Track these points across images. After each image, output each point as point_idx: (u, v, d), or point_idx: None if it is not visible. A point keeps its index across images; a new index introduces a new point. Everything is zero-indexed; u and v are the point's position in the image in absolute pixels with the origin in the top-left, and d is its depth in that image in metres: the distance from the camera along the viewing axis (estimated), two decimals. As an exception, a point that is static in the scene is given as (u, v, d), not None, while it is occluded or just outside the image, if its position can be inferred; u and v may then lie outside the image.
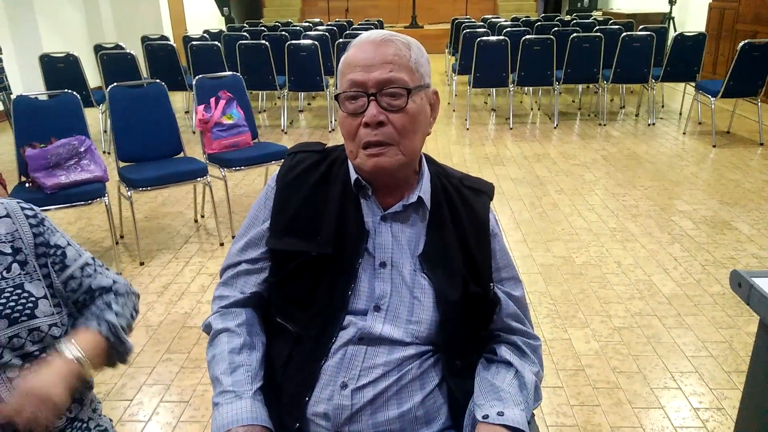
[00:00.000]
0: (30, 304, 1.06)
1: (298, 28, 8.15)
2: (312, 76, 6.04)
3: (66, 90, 3.25)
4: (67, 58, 5.35)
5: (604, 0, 12.72)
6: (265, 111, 7.09)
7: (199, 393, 2.12)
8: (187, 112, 6.87)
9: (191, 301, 2.77)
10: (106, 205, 3.02)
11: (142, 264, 3.16)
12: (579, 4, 12.33)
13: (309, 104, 7.57)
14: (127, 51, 5.81)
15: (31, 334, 1.05)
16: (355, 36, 6.89)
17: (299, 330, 1.08)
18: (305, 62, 5.96)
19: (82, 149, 2.94)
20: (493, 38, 6.17)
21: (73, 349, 1.04)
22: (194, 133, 5.86)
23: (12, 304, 1.04)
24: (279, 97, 6.85)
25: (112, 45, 6.28)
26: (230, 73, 3.89)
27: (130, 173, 3.14)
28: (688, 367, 2.25)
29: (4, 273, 1.06)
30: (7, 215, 1.11)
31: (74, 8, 8.43)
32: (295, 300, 1.10)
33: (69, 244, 1.17)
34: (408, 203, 1.10)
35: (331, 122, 6.32)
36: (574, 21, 8.18)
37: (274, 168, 3.80)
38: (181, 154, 3.49)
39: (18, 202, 1.14)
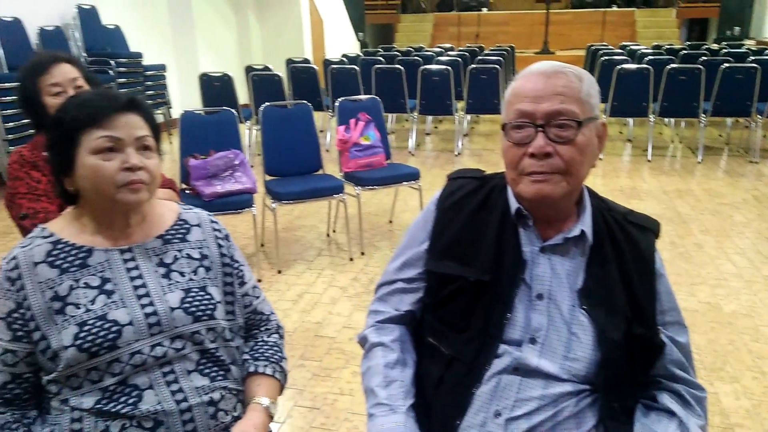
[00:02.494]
0: (211, 306, 1.17)
1: (429, 53, 8.32)
2: (442, 100, 6.13)
3: (223, 107, 3.56)
4: (222, 77, 5.86)
5: (757, 29, 11.72)
6: (393, 132, 7.27)
7: (329, 401, 2.20)
8: (321, 131, 7.22)
9: (323, 311, 2.90)
10: (253, 215, 3.25)
11: (279, 272, 3.35)
12: (728, 33, 11.48)
13: (436, 128, 7.67)
14: (274, 72, 6.24)
15: (209, 333, 1.16)
16: (486, 61, 6.94)
17: (453, 353, 1.10)
18: (437, 87, 6.07)
19: (236, 162, 3.20)
20: (633, 66, 5.92)
21: (267, 400, 1.18)
22: (327, 151, 6.15)
23: (197, 303, 1.15)
24: (407, 120, 7.01)
25: (261, 66, 6.78)
26: (369, 96, 4.05)
27: (276, 186, 3.37)
28: None
29: (192, 275, 1.19)
30: (199, 225, 1.25)
31: (228, 31, 9.23)
32: (450, 323, 1.12)
33: (243, 264, 1.29)
34: (569, 236, 1.09)
35: (458, 146, 6.35)
36: (725, 50, 7.62)
37: (404, 188, 3.89)
38: (320, 171, 3.68)
39: (208, 215, 1.28)
